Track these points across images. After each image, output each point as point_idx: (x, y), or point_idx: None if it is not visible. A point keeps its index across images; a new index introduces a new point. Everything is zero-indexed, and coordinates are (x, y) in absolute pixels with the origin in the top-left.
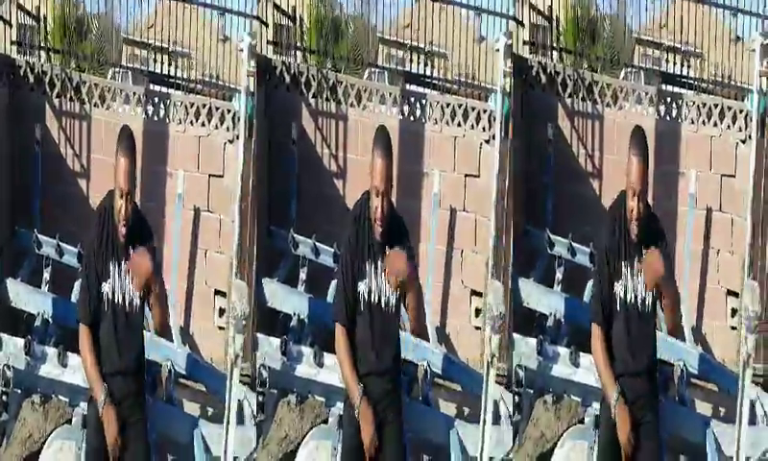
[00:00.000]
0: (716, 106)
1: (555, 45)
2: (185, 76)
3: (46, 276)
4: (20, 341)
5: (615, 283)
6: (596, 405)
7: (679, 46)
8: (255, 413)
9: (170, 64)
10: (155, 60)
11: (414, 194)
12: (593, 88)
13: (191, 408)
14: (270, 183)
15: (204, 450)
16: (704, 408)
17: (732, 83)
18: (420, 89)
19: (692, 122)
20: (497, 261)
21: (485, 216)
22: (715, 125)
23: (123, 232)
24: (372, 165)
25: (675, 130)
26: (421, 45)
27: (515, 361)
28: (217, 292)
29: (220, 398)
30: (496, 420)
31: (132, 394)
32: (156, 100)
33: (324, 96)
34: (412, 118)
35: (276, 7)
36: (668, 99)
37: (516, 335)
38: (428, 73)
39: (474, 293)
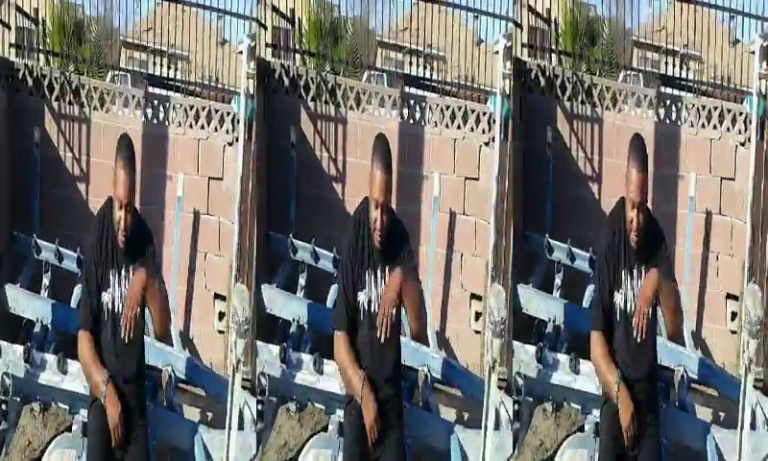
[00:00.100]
0: (716, 108)
1: (554, 48)
2: (184, 79)
3: (45, 281)
4: (19, 348)
5: (615, 292)
6: (596, 413)
7: (677, 49)
8: (255, 419)
9: (169, 67)
10: (154, 63)
11: (414, 197)
12: (592, 91)
13: (191, 413)
14: (269, 187)
15: (204, 456)
16: (704, 413)
17: (732, 85)
18: (420, 92)
19: (692, 125)
20: (497, 263)
21: (484, 219)
22: (715, 128)
23: (122, 242)
24: (372, 177)
25: (674, 133)
26: (420, 48)
27: (514, 369)
28: (217, 296)
29: (220, 402)
30: (497, 425)
31: (132, 400)
32: (156, 103)
33: (323, 99)
34: (411, 121)
35: (275, 10)
36: (668, 102)
37: (515, 342)
38: (427, 76)
39: (474, 297)
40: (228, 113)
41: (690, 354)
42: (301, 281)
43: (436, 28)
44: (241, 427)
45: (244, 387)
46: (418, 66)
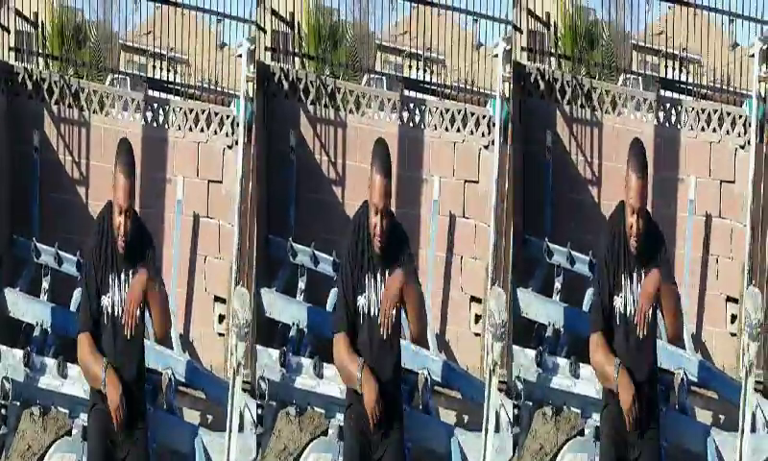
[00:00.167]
0: (715, 111)
1: (553, 51)
2: (184, 82)
3: (45, 285)
4: (19, 352)
5: (615, 296)
6: (596, 417)
7: (676, 52)
8: (255, 422)
9: (169, 70)
10: (153, 67)
11: (413, 200)
12: (592, 95)
13: (191, 416)
14: (268, 191)
15: (204, 459)
16: (704, 416)
17: (731, 88)
18: (419, 95)
19: (691, 128)
20: (497, 264)
21: (484, 222)
22: (714, 131)
23: (122, 247)
24: (371, 183)
25: (674, 136)
26: (419, 51)
27: (513, 373)
28: (217, 298)
29: (219, 405)
30: (497, 428)
31: (132, 404)
32: (155, 106)
33: (323, 103)
34: (411, 124)
35: (275, 13)
36: (667, 105)
37: (514, 347)
38: (426, 79)
39: (474, 299)
40: (228, 116)
41: (690, 357)
42: (301, 285)
43: (434, 32)
44: (241, 430)
45: (244, 390)
46: (417, 70)
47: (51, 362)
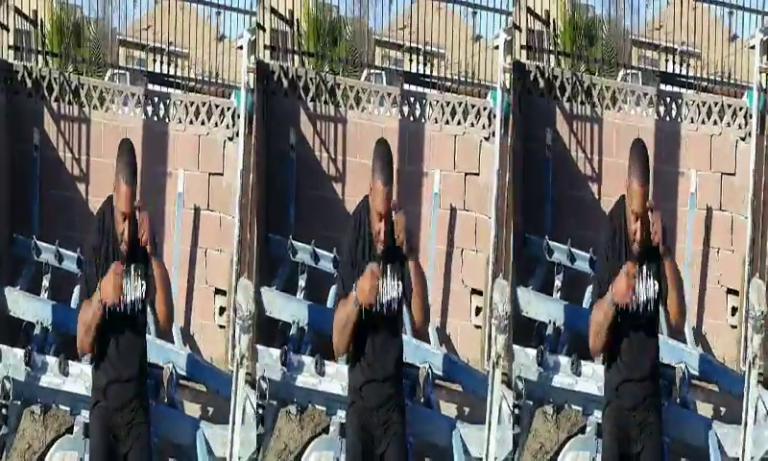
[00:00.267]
0: (716, 104)
1: (552, 48)
2: (184, 75)
3: (45, 283)
4: (20, 351)
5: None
6: (598, 414)
7: (675, 47)
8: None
9: (169, 64)
10: (153, 61)
11: (414, 194)
12: (592, 91)
13: (191, 409)
14: (268, 190)
15: (206, 452)
16: (704, 409)
17: (732, 81)
18: (420, 89)
19: (692, 121)
20: (498, 256)
21: (485, 214)
22: (715, 123)
23: (125, 251)
24: (373, 189)
25: (674, 130)
26: (418, 45)
27: (514, 373)
28: (217, 291)
29: (220, 397)
30: (499, 420)
31: (134, 399)
32: (156, 100)
33: (323, 99)
34: (412, 118)
35: (273, 11)
36: (667, 99)
37: (515, 346)
38: (426, 72)
39: (475, 292)
40: (229, 108)
41: (691, 351)
42: (301, 283)
43: (433, 25)
44: (243, 423)
45: (246, 382)
46: (418, 63)
47: (52, 360)
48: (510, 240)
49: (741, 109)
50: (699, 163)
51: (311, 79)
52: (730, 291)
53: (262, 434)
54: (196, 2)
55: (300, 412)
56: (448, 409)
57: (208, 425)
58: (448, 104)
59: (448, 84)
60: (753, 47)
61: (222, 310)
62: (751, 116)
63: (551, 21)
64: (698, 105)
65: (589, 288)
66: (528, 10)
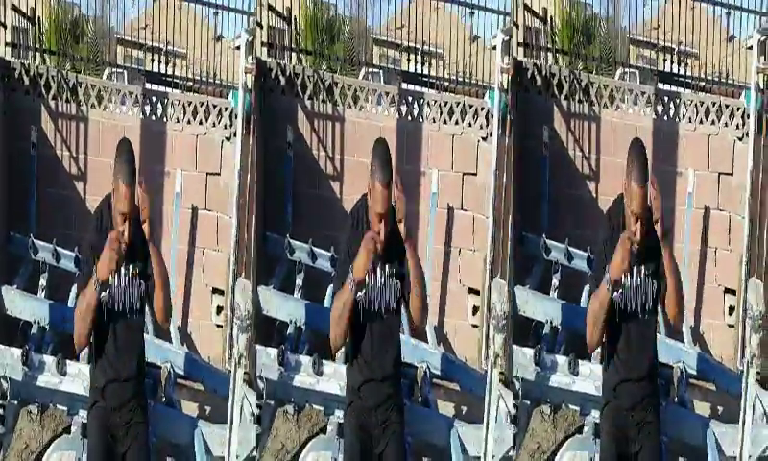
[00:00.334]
0: (714, 104)
1: (550, 46)
2: (181, 74)
3: (42, 282)
4: (17, 351)
5: (615, 292)
6: (595, 413)
7: (673, 46)
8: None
9: (167, 64)
10: (152, 60)
11: (412, 194)
12: (590, 89)
13: (189, 408)
14: (265, 188)
15: (204, 451)
16: (702, 408)
17: (730, 81)
18: (418, 88)
19: (690, 121)
20: (496, 256)
21: (483, 214)
22: (713, 123)
23: (124, 250)
24: (373, 190)
25: (672, 129)
26: (416, 45)
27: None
28: (215, 290)
29: (218, 396)
30: (496, 418)
31: (133, 398)
32: (154, 99)
33: (321, 98)
34: (409, 118)
35: (271, 8)
36: (665, 98)
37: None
38: (424, 72)
39: (472, 291)
40: (226, 108)
41: (689, 350)
42: (299, 282)
43: (431, 25)
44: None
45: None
46: (416, 63)
47: (50, 360)
48: (507, 240)
49: (739, 109)
50: (697, 163)
51: (308, 77)
52: (727, 290)
53: (260, 434)
54: (194, 2)
55: (298, 412)
56: (446, 408)
57: (206, 425)
58: (446, 103)
59: (446, 83)
60: (750, 47)
61: (219, 310)
62: (748, 116)
63: (549, 19)
64: (696, 104)
65: (587, 287)
66: (525, 7)
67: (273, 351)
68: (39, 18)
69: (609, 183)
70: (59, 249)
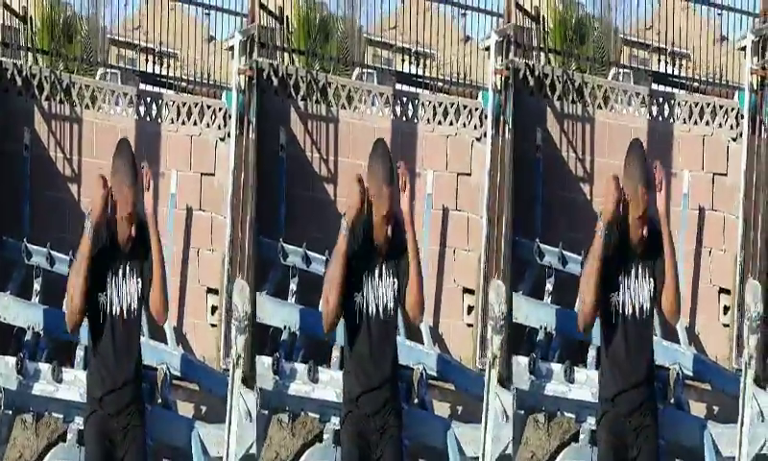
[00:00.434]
0: (708, 105)
1: (543, 46)
2: (175, 75)
3: (36, 287)
4: (11, 359)
5: (613, 293)
6: (591, 420)
7: (665, 47)
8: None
9: (161, 64)
10: (146, 60)
11: None
12: (583, 90)
13: (185, 408)
14: (258, 192)
15: (201, 452)
16: (697, 408)
17: (724, 82)
18: (412, 89)
19: (684, 122)
20: (490, 255)
21: (477, 214)
22: (707, 124)
23: (128, 249)
24: (377, 192)
25: (667, 130)
26: (409, 46)
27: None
28: (209, 290)
29: (213, 396)
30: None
31: (131, 403)
32: (148, 100)
33: (314, 99)
34: (404, 118)
35: (263, 7)
36: (660, 99)
37: None
38: (418, 72)
39: (466, 291)
40: (220, 109)
41: (685, 351)
42: (293, 287)
43: (424, 25)
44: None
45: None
46: (410, 63)
47: (45, 368)
48: (502, 240)
49: (733, 109)
50: (691, 164)
51: (302, 77)
52: (722, 290)
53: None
54: (186, 2)
55: (292, 420)
56: (441, 408)
57: (203, 425)
58: (440, 104)
59: (440, 84)
60: (743, 48)
61: (214, 309)
62: (742, 117)
63: (541, 18)
64: (690, 105)
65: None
66: (517, 6)
67: (267, 360)
68: (31, 18)
69: (603, 186)
70: (53, 252)
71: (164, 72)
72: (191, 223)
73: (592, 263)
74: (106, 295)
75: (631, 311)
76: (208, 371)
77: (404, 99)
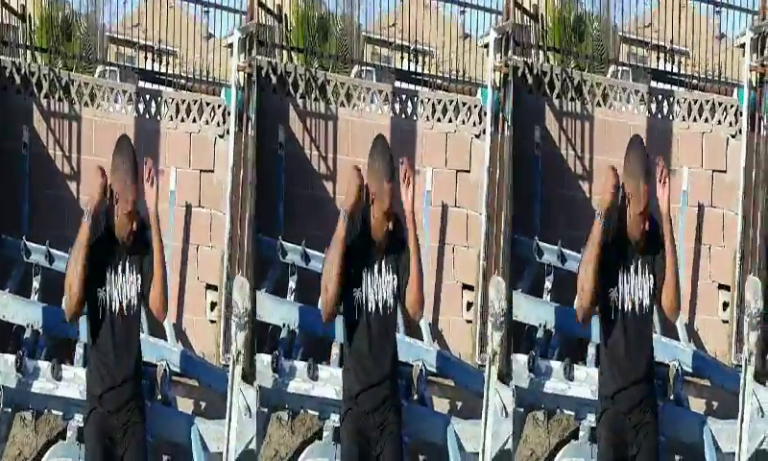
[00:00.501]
0: (707, 102)
1: (541, 44)
2: (174, 72)
3: (35, 284)
4: (10, 357)
5: (611, 289)
6: (591, 418)
7: (664, 44)
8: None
9: (160, 62)
10: (145, 58)
11: None
12: (582, 88)
13: (184, 404)
14: (256, 190)
15: (201, 448)
16: (697, 404)
17: (723, 79)
18: (411, 86)
19: (683, 119)
20: (489, 252)
21: (476, 211)
22: (706, 121)
23: (129, 244)
24: (378, 189)
25: (666, 127)
26: (408, 43)
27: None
28: (209, 287)
29: (213, 392)
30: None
31: (131, 400)
32: (147, 97)
33: (313, 96)
34: (403, 116)
35: (261, 5)
36: (659, 96)
37: None
38: (417, 70)
39: (466, 287)
40: (219, 106)
41: (684, 348)
42: (291, 284)
43: (422, 23)
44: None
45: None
46: (410, 61)
47: (44, 365)
48: (501, 237)
49: (732, 106)
50: (690, 161)
51: (300, 75)
52: (721, 286)
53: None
54: (185, 0)
55: (292, 417)
56: (441, 404)
57: (202, 421)
58: (439, 101)
59: (439, 81)
60: (742, 45)
61: (213, 305)
62: (741, 114)
63: (540, 16)
64: (689, 102)
65: None
66: (516, 4)
67: (266, 358)
68: (30, 15)
69: (602, 183)
70: (52, 250)
71: (163, 69)
72: (190, 220)
73: (591, 250)
74: (105, 291)
75: (630, 308)
76: (208, 367)
77: (403, 96)
